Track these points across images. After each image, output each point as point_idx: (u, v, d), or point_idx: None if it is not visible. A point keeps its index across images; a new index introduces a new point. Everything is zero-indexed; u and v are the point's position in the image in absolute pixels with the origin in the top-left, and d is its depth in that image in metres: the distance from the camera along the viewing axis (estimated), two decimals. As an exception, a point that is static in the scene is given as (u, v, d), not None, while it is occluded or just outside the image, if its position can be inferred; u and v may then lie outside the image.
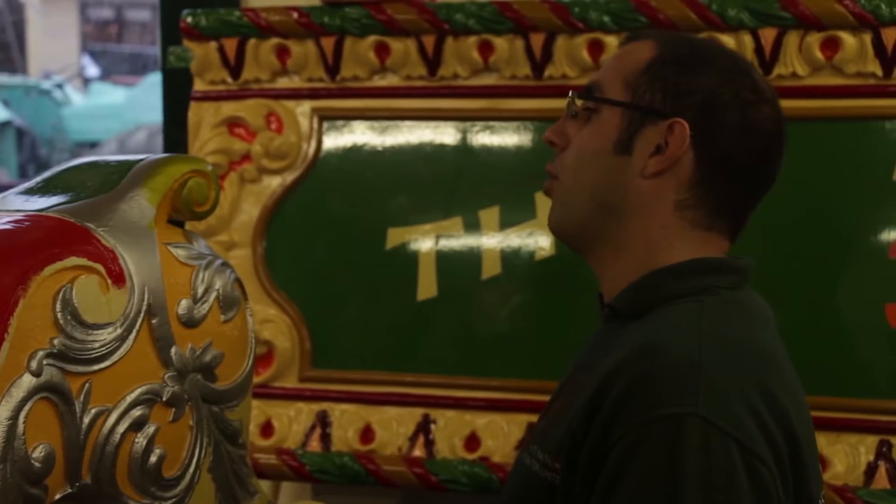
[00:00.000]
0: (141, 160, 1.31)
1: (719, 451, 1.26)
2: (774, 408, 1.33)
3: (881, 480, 2.07)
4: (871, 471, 2.08)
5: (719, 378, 1.30)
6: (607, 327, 1.51)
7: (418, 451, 2.26)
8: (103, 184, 1.28)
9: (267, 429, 2.35)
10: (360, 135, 2.36)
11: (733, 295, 1.45)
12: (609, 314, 1.50)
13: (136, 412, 1.21)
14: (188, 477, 1.28)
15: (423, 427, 2.28)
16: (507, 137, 2.28)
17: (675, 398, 1.28)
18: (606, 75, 1.51)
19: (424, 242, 2.30)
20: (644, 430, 1.27)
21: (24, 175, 12.66)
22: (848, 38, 2.07)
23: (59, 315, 1.14)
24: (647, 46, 1.50)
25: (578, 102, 1.52)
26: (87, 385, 1.17)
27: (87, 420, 1.17)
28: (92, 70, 17.68)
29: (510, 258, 2.25)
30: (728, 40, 2.11)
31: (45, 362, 1.13)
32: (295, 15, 2.32)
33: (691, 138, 1.43)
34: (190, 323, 1.28)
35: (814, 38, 2.09)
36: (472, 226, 2.27)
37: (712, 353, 1.33)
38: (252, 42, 2.35)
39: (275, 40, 2.34)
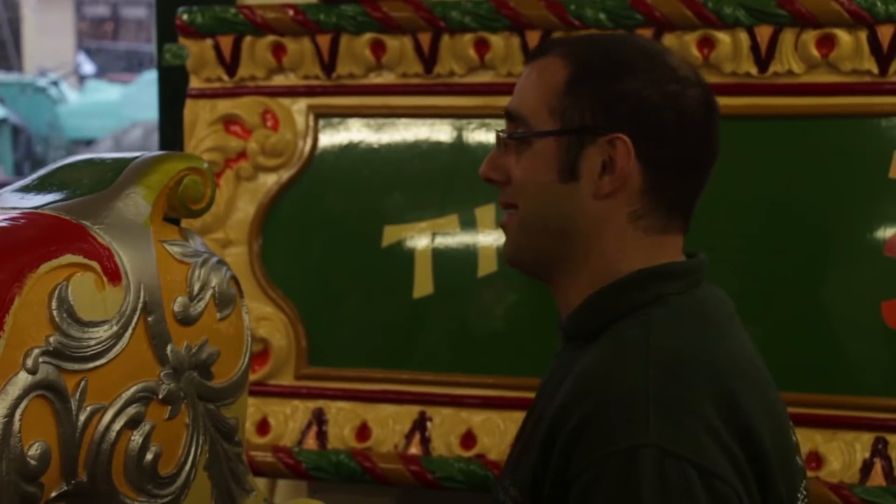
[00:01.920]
0: (137, 158, 1.31)
1: (676, 477, 1.26)
2: (731, 415, 1.32)
3: (877, 478, 2.07)
4: (866, 468, 2.08)
5: (669, 401, 1.30)
6: (566, 348, 1.50)
7: (414, 449, 2.26)
8: (99, 181, 1.28)
9: (263, 426, 2.35)
10: (356, 132, 2.36)
11: (683, 301, 1.43)
12: (565, 335, 1.50)
13: (132, 410, 1.21)
14: (184, 475, 1.28)
15: (420, 425, 2.28)
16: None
17: (627, 430, 1.28)
18: (527, 104, 1.47)
19: (420, 240, 2.30)
20: (599, 466, 1.27)
21: (19, 172, 12.67)
22: (844, 36, 2.07)
23: (54, 313, 1.14)
24: (559, 65, 1.46)
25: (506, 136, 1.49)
26: (82, 383, 1.16)
27: (82, 418, 1.17)
28: (87, 67, 17.67)
29: (506, 256, 2.25)
30: (724, 38, 2.12)
31: (40, 360, 1.12)
32: (291, 12, 2.31)
33: (634, 149, 1.41)
34: (186, 320, 1.28)
35: (810, 36, 2.09)
36: (469, 223, 2.27)
37: (660, 376, 1.32)
38: (248, 39, 2.35)
39: (271, 38, 2.34)
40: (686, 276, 1.46)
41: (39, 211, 1.23)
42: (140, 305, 1.22)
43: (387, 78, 2.32)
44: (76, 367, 1.16)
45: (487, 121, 2.28)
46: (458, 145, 2.30)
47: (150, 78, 12.58)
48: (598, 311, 1.44)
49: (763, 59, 2.11)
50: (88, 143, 13.70)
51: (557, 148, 1.44)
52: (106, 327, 1.19)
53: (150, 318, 1.23)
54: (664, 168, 1.44)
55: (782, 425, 1.43)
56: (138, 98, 13.11)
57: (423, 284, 2.29)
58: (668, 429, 1.28)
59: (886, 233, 2.08)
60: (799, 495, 1.43)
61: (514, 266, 1.57)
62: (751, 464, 1.32)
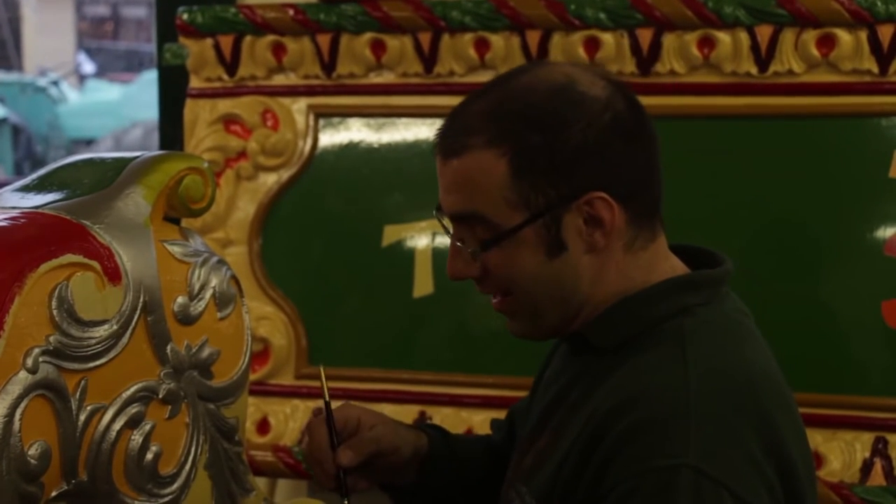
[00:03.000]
0: (137, 157, 1.31)
1: (711, 501, 1.25)
2: (770, 440, 1.32)
3: (877, 477, 2.07)
4: (866, 468, 2.08)
5: (711, 423, 1.29)
6: (584, 359, 1.48)
7: (414, 449, 2.26)
8: (99, 181, 1.28)
9: (263, 426, 2.35)
10: (356, 132, 2.36)
11: (711, 312, 1.43)
12: (576, 343, 1.48)
13: (133, 409, 1.21)
14: (184, 474, 1.28)
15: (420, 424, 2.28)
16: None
17: (667, 449, 1.27)
18: (479, 203, 1.40)
19: (420, 239, 2.30)
20: (636, 481, 1.27)
21: (19, 172, 12.65)
22: (844, 35, 2.07)
23: (54, 312, 1.14)
24: (490, 158, 1.38)
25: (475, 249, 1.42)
26: (83, 382, 1.16)
27: (83, 417, 1.17)
28: (88, 67, 17.67)
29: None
30: (724, 37, 2.11)
31: (41, 359, 1.13)
32: (291, 12, 2.31)
33: (611, 197, 1.38)
34: (186, 320, 1.28)
35: (810, 36, 2.09)
36: (469, 223, 2.27)
37: (701, 396, 1.31)
38: (248, 39, 2.35)
39: (271, 37, 2.34)
40: (710, 286, 1.46)
41: (40, 210, 1.23)
42: (140, 305, 1.22)
43: (387, 77, 2.32)
44: (76, 366, 1.16)
45: (487, 120, 2.27)
46: (459, 145, 2.30)
47: (150, 77, 12.57)
48: (624, 321, 1.42)
49: (763, 58, 2.11)
50: (88, 142, 13.69)
51: (535, 233, 1.39)
52: (106, 327, 1.19)
53: (150, 318, 1.23)
54: (637, 193, 1.42)
55: (806, 446, 1.43)
56: (138, 98, 13.10)
57: (423, 284, 2.29)
58: (709, 451, 1.27)
59: (886, 232, 2.08)
60: None
61: (526, 339, 1.53)
62: (784, 488, 1.33)
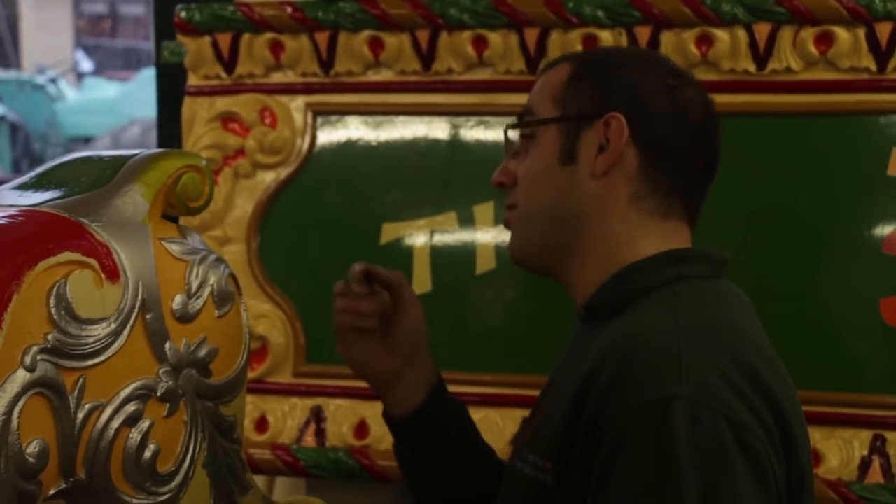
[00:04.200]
0: (135, 155, 1.31)
1: (709, 428, 1.27)
2: (755, 382, 1.34)
3: (875, 475, 2.07)
4: (865, 465, 2.08)
5: (698, 360, 1.32)
6: (584, 328, 1.53)
7: (413, 446, 2.26)
8: (97, 179, 1.28)
9: (261, 424, 2.35)
10: (355, 130, 2.36)
11: (706, 284, 1.47)
12: (585, 316, 1.52)
13: (131, 407, 1.21)
14: (182, 472, 1.28)
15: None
16: (501, 132, 2.27)
17: (659, 384, 1.30)
18: (534, 101, 1.57)
19: (419, 237, 2.30)
20: (632, 417, 1.29)
21: (17, 170, 12.66)
22: (842, 33, 2.07)
23: (52, 310, 1.14)
24: (565, 67, 1.56)
25: (513, 134, 1.59)
26: (81, 380, 1.16)
27: (81, 415, 1.17)
28: (85, 65, 17.68)
29: (505, 253, 2.22)
30: (722, 35, 2.12)
31: (38, 357, 1.12)
32: (289, 10, 2.31)
33: (629, 129, 1.47)
34: (184, 318, 1.28)
35: (808, 33, 2.09)
36: (467, 220, 2.27)
37: (689, 337, 1.35)
38: (246, 37, 2.35)
39: (269, 35, 2.34)
40: (706, 262, 1.51)
41: (38, 208, 1.23)
42: (138, 303, 1.22)
43: (385, 75, 2.32)
44: (74, 364, 1.16)
45: (486, 118, 2.28)
46: (457, 143, 2.30)
47: (148, 75, 12.58)
48: (624, 287, 1.47)
49: (761, 56, 2.11)
50: (86, 140, 13.70)
51: (558, 135, 1.52)
52: (104, 325, 1.19)
53: (148, 316, 1.23)
54: (658, 151, 1.49)
55: (798, 407, 1.44)
56: (136, 95, 13.11)
57: (421, 282, 2.29)
58: (701, 384, 1.30)
59: (885, 230, 2.08)
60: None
61: (521, 264, 1.60)
62: (778, 429, 1.34)
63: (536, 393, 1.67)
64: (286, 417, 2.34)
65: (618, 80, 1.51)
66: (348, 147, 2.35)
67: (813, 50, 2.09)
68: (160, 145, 2.70)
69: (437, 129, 2.31)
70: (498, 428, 2.21)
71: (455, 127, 2.30)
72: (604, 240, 1.49)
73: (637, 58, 1.58)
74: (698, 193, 1.54)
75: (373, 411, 2.29)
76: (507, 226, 1.59)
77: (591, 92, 1.51)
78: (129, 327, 1.21)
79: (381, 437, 2.26)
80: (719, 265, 1.52)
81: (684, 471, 1.26)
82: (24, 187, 1.31)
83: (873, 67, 2.07)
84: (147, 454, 1.23)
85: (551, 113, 1.53)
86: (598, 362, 1.36)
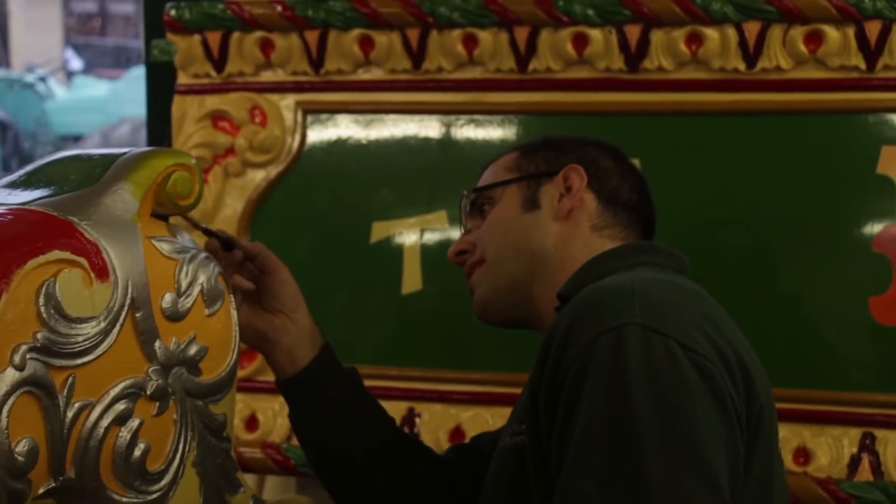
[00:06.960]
0: (124, 154, 1.31)
1: (662, 351, 1.31)
2: (708, 320, 1.39)
3: (864, 473, 2.08)
4: (854, 463, 2.08)
5: (652, 296, 1.38)
6: None
7: (403, 445, 2.25)
8: (86, 177, 1.27)
9: (251, 423, 2.35)
10: (345, 128, 2.36)
11: (665, 272, 1.54)
12: (558, 308, 1.55)
13: (120, 406, 1.21)
14: (172, 471, 1.28)
15: (408, 420, 2.28)
16: (491, 131, 2.28)
17: (615, 314, 1.34)
18: (487, 179, 1.71)
19: (409, 236, 2.30)
20: (590, 345, 1.33)
21: (6, 169, 12.62)
22: (831, 32, 2.08)
23: (42, 309, 1.14)
24: (512, 152, 1.72)
25: (470, 208, 1.73)
26: (70, 379, 1.16)
27: (70, 414, 1.16)
28: (75, 63, 17.64)
29: (495, 252, 2.24)
30: (712, 34, 2.12)
31: (28, 356, 1.12)
32: (279, 8, 2.31)
33: (587, 176, 1.63)
34: (174, 316, 1.28)
35: (797, 32, 2.10)
36: (457, 219, 2.26)
37: (645, 284, 1.42)
38: (236, 35, 2.35)
39: (259, 33, 2.34)
40: (666, 255, 1.59)
41: (27, 207, 1.22)
42: (128, 301, 1.22)
43: (375, 74, 2.32)
44: (64, 363, 1.16)
45: (476, 116, 2.28)
46: (447, 141, 2.30)
47: (137, 74, 12.54)
48: (591, 273, 1.53)
49: (751, 55, 2.12)
50: (76, 139, 13.66)
51: (517, 190, 1.66)
52: (93, 323, 1.18)
53: (137, 315, 1.23)
54: (612, 199, 1.64)
55: (757, 362, 1.45)
56: (126, 94, 13.07)
57: (411, 280, 2.29)
58: (654, 313, 1.34)
59: (874, 228, 2.08)
60: (775, 421, 1.45)
61: (487, 317, 1.70)
62: (736, 361, 1.37)
63: (526, 391, 1.67)
64: (276, 416, 2.34)
65: (568, 148, 1.67)
66: (339, 145, 2.35)
67: (802, 49, 2.10)
68: (150, 144, 2.69)
69: (428, 127, 2.31)
70: (488, 426, 2.21)
71: (445, 125, 2.30)
72: (571, 261, 1.59)
73: (580, 137, 1.72)
74: (650, 233, 1.68)
75: (363, 410, 2.29)
76: (473, 288, 1.69)
77: (544, 157, 1.67)
78: (118, 326, 1.20)
79: (372, 435, 2.26)
80: (678, 261, 1.59)
81: (637, 391, 1.29)
82: (13, 186, 1.30)
83: (862, 66, 2.08)
84: (137, 453, 1.23)
85: (510, 177, 1.67)
86: (557, 321, 1.41)
